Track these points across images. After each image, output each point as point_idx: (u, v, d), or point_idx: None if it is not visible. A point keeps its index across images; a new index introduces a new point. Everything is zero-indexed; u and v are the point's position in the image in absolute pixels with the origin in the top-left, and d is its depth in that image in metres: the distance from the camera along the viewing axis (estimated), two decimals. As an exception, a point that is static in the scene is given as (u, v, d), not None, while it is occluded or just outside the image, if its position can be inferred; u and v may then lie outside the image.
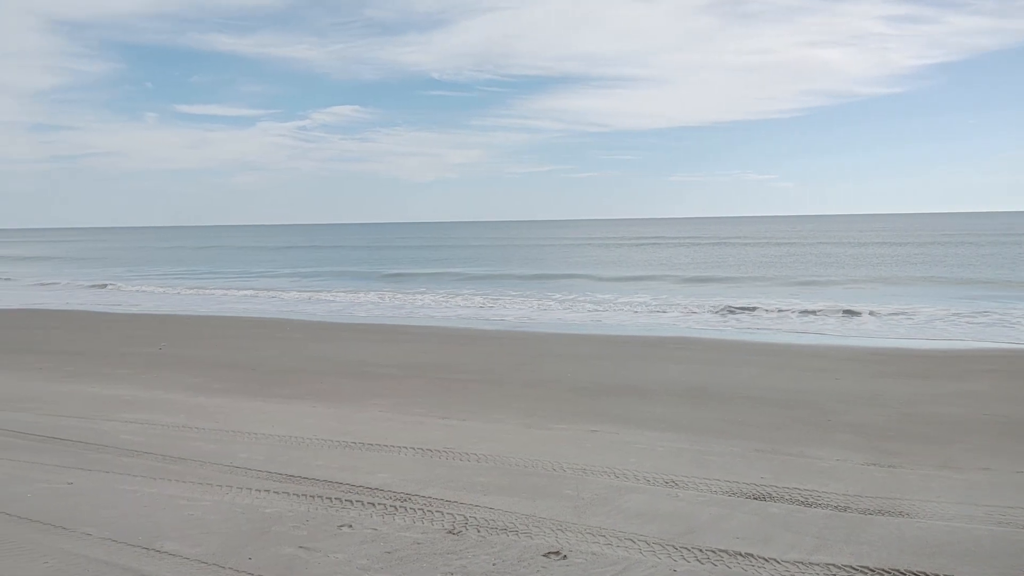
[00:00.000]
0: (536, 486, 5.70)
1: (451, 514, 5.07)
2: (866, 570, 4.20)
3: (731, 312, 20.39)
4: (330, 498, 5.40)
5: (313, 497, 5.43)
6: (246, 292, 29.02)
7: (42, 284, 35.10)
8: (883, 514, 5.13)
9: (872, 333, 16.52)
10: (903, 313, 19.07)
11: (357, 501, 5.34)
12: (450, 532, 4.77)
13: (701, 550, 4.46)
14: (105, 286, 33.40)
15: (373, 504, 5.27)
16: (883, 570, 4.20)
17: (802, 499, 5.40)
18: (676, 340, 15.34)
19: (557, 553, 4.44)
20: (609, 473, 6.01)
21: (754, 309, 20.65)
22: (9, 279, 38.70)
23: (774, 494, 5.50)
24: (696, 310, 20.96)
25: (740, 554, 4.40)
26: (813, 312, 19.87)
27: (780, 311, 20.23)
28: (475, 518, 4.99)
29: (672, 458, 6.52)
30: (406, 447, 6.82)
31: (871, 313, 19.24)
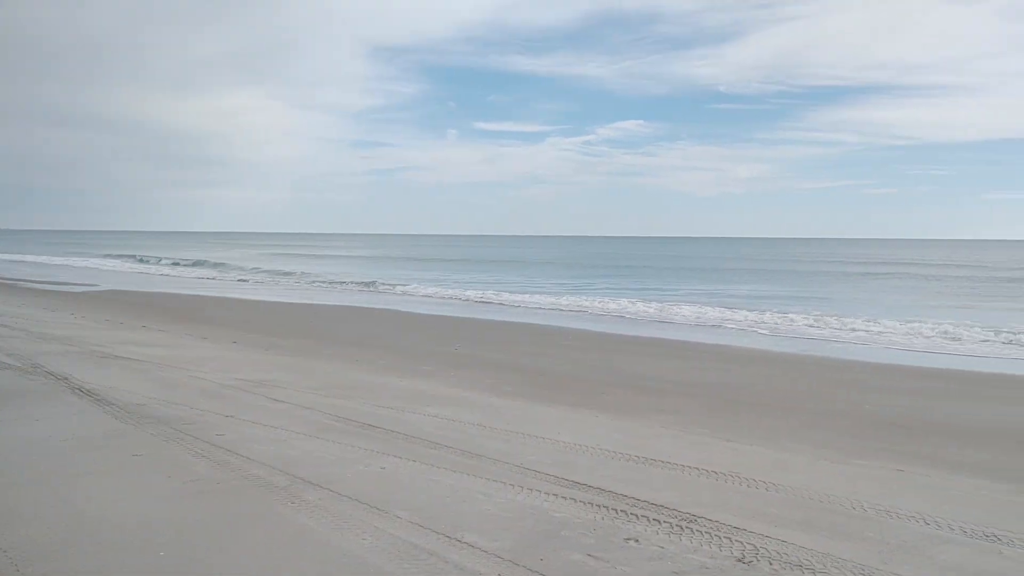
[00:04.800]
0: (833, 524, 5.33)
1: (740, 542, 4.90)
2: None
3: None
4: (616, 509, 5.45)
5: (599, 506, 5.51)
6: (523, 297, 30.33)
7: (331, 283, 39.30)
8: None
9: None
10: None
11: (643, 516, 5.33)
12: (740, 560, 4.60)
13: (1037, 622, 3.89)
14: (374, 283, 37.56)
15: (659, 521, 5.23)
16: None
17: None
18: (1001, 378, 13.60)
19: (859, 600, 4.11)
20: (919, 519, 5.45)
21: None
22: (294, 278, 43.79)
23: None
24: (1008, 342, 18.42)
25: (1089, 634, 3.78)
26: None
27: None
28: (767, 549, 4.77)
29: (995, 509, 5.78)
30: (690, 467, 6.71)
31: None
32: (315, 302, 27.65)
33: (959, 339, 19.26)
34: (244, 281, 42.23)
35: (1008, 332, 19.90)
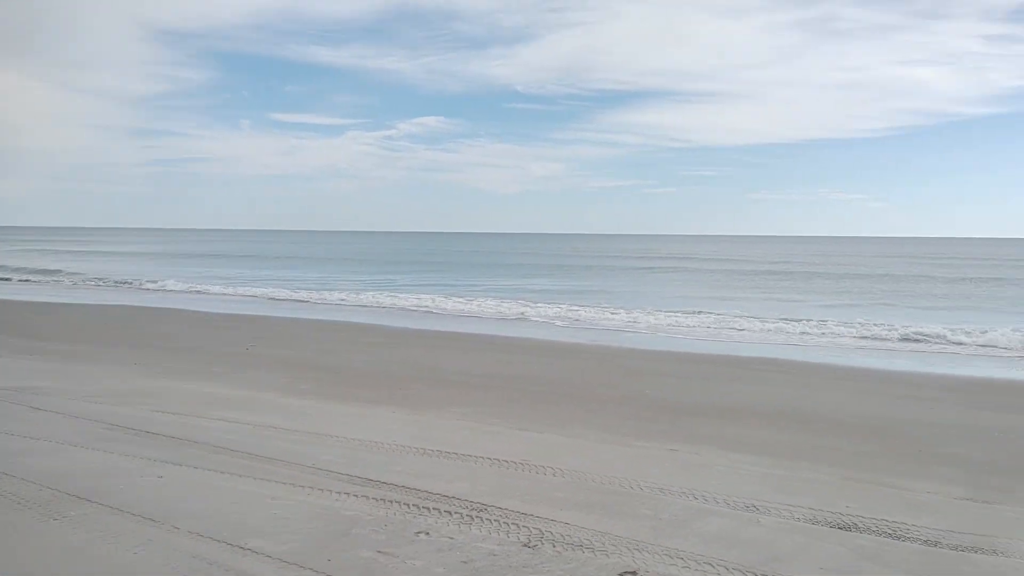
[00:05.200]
0: (613, 504, 5.64)
1: (527, 527, 5.07)
2: (960, 611, 4.00)
3: (817, 334, 19.82)
4: (408, 504, 5.47)
5: (391, 502, 5.50)
6: (323, 294, 29.72)
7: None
8: (978, 551, 4.89)
9: (970, 362, 15.78)
10: (1002, 342, 18.10)
11: (434, 509, 5.39)
12: (526, 545, 4.76)
13: (783, 579, 4.33)
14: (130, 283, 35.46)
15: (450, 512, 5.31)
16: (979, 613, 3.99)
17: (891, 531, 5.19)
18: (761, 360, 14.98)
19: (634, 573, 4.38)
20: (688, 494, 5.90)
21: (839, 332, 20.02)
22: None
23: (861, 524, 5.31)
24: (780, 330, 20.43)
25: (824, 586, 4.26)
26: (904, 337, 19.10)
27: (875, 336, 19.55)
28: (551, 533, 4.97)
29: (755, 482, 6.36)
30: (484, 457, 6.86)
31: (964, 340, 18.36)
32: (88, 302, 25.51)
33: (728, 326, 21.03)
34: (6, 280, 38.20)
35: (767, 319, 22.00)
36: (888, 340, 18.95)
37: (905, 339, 18.89)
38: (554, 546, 4.75)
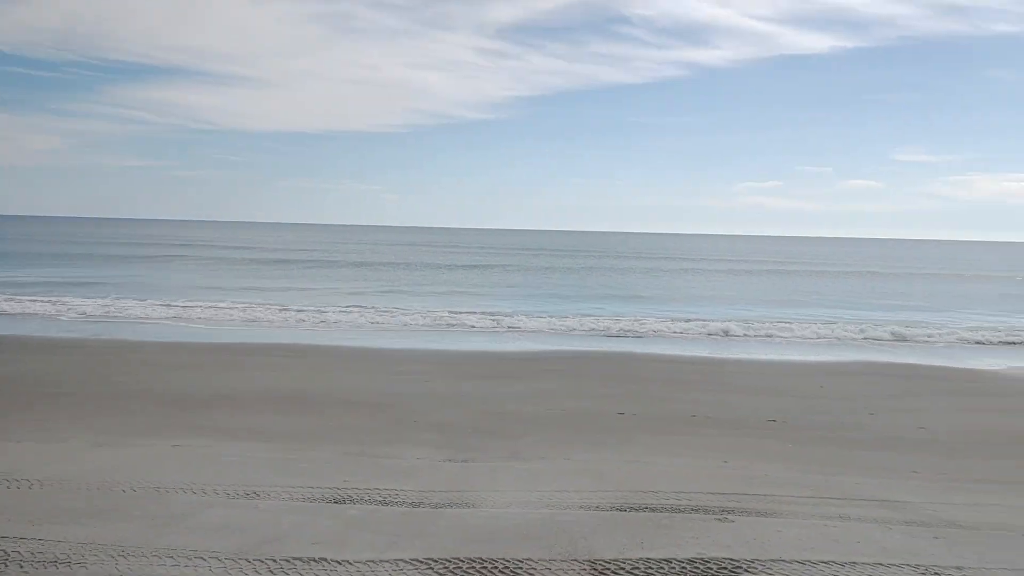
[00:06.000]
0: (102, 510, 5.20)
1: (-11, 551, 4.41)
2: (431, 561, 4.50)
3: (334, 320, 20.69)
4: None
5: None
6: None
7: None
8: (453, 506, 5.56)
9: (463, 338, 17.89)
10: (493, 319, 20.88)
11: None
12: (-16, 573, 4.15)
13: (276, 560, 4.42)
14: None
15: None
16: (447, 559, 4.53)
17: (381, 499, 5.63)
18: (279, 347, 15.13)
19: (117, 581, 4.09)
20: (188, 489, 5.70)
21: (354, 317, 21.17)
22: None
23: (355, 496, 5.67)
24: (299, 317, 20.88)
25: (315, 559, 4.45)
26: (406, 321, 20.92)
27: (386, 321, 20.99)
28: (19, 552, 4.40)
29: (258, 468, 6.39)
30: (-62, 478, 5.79)
31: (462, 319, 20.79)
32: None
33: (249, 315, 20.88)
34: None
35: (288, 306, 22.37)
36: (401, 321, 20.54)
37: (413, 320, 20.67)
38: (22, 567, 4.21)
